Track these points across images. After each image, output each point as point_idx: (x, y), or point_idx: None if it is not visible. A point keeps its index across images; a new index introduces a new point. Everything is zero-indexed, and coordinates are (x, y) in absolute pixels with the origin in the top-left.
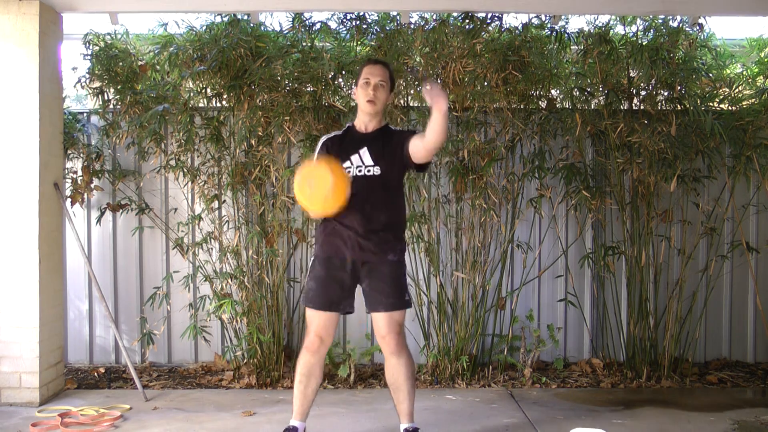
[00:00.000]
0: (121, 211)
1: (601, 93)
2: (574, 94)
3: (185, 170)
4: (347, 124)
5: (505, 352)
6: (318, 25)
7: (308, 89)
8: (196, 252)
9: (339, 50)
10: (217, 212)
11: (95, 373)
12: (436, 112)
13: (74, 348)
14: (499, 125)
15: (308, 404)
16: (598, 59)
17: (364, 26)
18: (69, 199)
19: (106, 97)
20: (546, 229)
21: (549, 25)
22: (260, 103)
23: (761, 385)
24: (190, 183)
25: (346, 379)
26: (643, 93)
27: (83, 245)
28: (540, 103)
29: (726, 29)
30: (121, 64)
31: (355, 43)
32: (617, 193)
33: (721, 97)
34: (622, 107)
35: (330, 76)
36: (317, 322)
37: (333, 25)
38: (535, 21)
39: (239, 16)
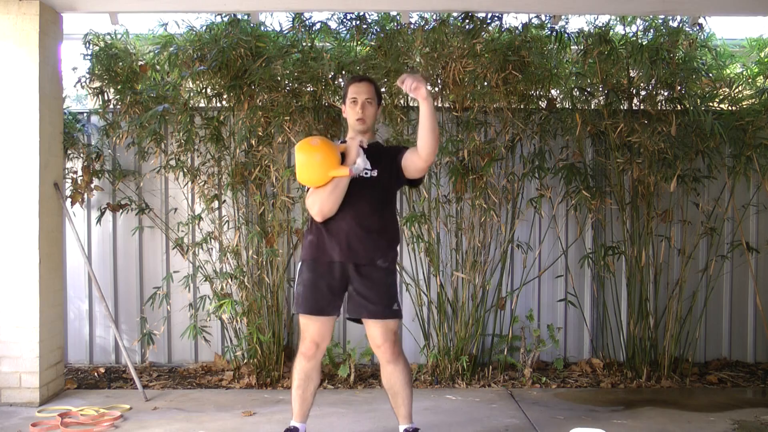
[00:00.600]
0: (121, 211)
1: (601, 93)
2: (574, 94)
3: (185, 170)
4: (339, 141)
5: (505, 352)
6: (318, 25)
7: (308, 89)
8: (196, 252)
9: (339, 50)
10: (217, 212)
11: (95, 373)
12: (420, 100)
13: (74, 348)
14: (499, 125)
15: (308, 406)
16: (598, 59)
17: (364, 26)
18: (69, 199)
19: (106, 97)
20: (546, 229)
21: (549, 25)
22: (260, 103)
23: (761, 385)
24: (190, 183)
25: (346, 379)
26: (643, 93)
27: (83, 245)
28: (540, 103)
29: (726, 29)
30: (121, 64)
31: (355, 43)
32: (617, 193)
33: (721, 97)
34: (622, 107)
35: (330, 76)
36: (312, 328)
37: (333, 25)
38: (535, 21)
39: (239, 16)
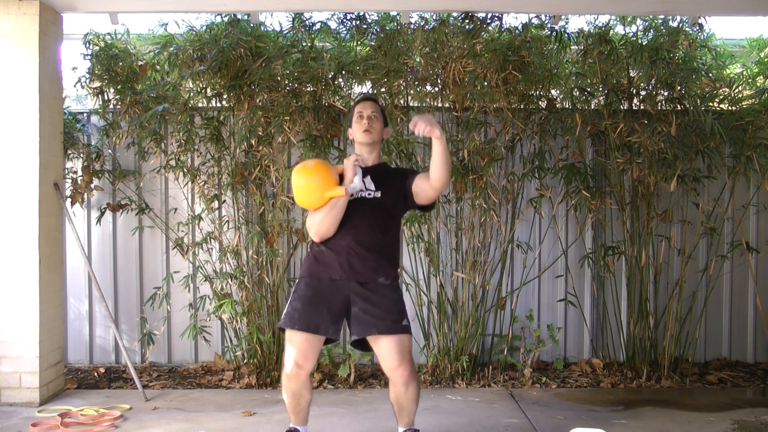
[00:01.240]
0: (121, 211)
1: (601, 93)
2: (574, 94)
3: (185, 170)
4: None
5: (505, 352)
6: (318, 25)
7: (308, 89)
8: (196, 252)
9: (339, 50)
10: (217, 212)
11: (95, 373)
12: (434, 140)
13: (74, 348)
14: (499, 125)
15: (305, 414)
16: (598, 59)
17: (364, 26)
18: (69, 199)
19: (106, 97)
20: (546, 229)
21: (549, 25)
22: (260, 103)
23: (761, 385)
24: (190, 183)
25: (346, 379)
26: (643, 93)
27: (83, 245)
28: (540, 103)
29: (726, 29)
30: (121, 64)
31: (355, 43)
32: (617, 193)
33: (721, 97)
34: (622, 107)
35: (330, 76)
36: (297, 346)
37: (333, 25)
38: (535, 21)
39: (239, 16)
